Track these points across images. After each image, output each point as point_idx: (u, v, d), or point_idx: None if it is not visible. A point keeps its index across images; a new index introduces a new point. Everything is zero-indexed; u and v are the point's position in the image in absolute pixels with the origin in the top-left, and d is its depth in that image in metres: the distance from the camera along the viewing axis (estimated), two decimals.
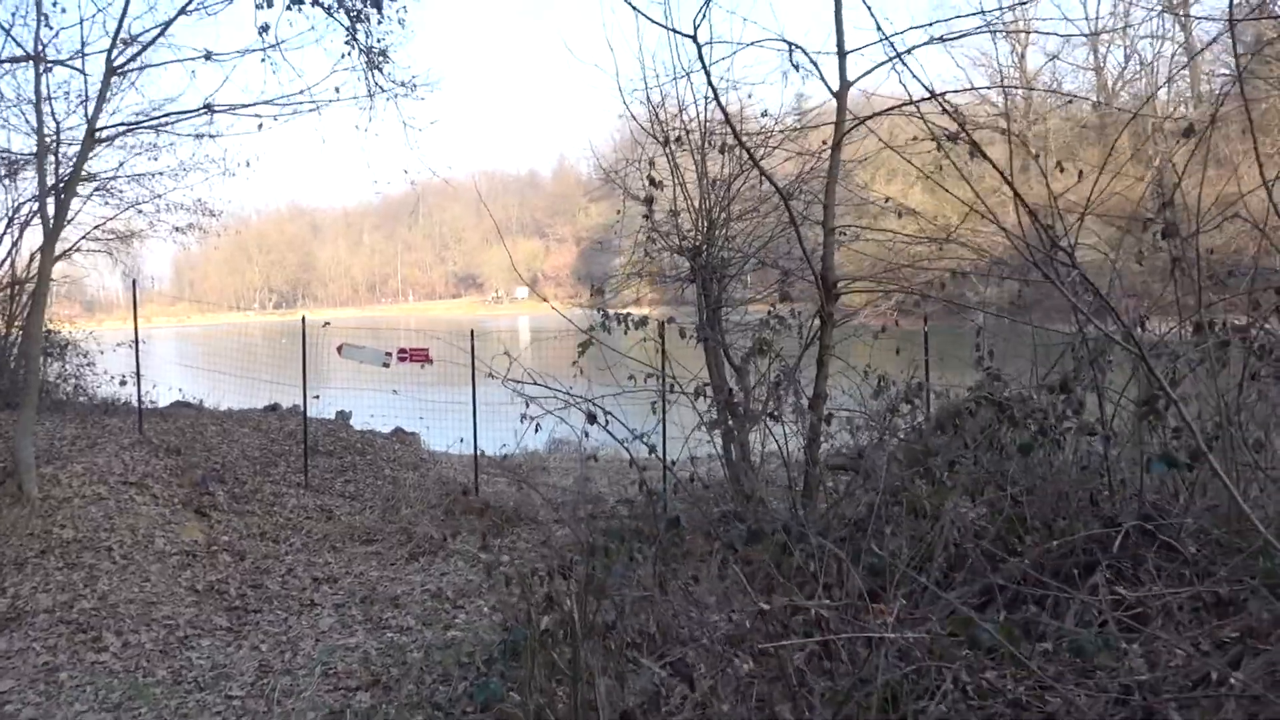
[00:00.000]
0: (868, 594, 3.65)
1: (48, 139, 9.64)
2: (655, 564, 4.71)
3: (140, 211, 15.00)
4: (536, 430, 4.97)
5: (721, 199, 8.32)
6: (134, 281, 12.58)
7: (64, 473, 8.70)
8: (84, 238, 15.20)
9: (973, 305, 6.56)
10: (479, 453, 10.36)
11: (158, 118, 9.90)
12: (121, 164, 13.88)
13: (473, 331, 10.00)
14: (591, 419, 4.98)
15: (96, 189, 14.29)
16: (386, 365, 10.42)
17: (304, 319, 11.32)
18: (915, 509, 4.85)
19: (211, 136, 10.97)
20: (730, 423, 7.62)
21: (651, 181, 6.82)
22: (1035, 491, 4.91)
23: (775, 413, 6.93)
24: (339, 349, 10.64)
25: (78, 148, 9.70)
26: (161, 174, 14.14)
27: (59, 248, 13.30)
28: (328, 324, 11.45)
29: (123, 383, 13.46)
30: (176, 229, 15.38)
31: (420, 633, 6.50)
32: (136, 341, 11.75)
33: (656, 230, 7.99)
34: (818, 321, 7.38)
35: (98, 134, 9.12)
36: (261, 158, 15.12)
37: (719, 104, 5.81)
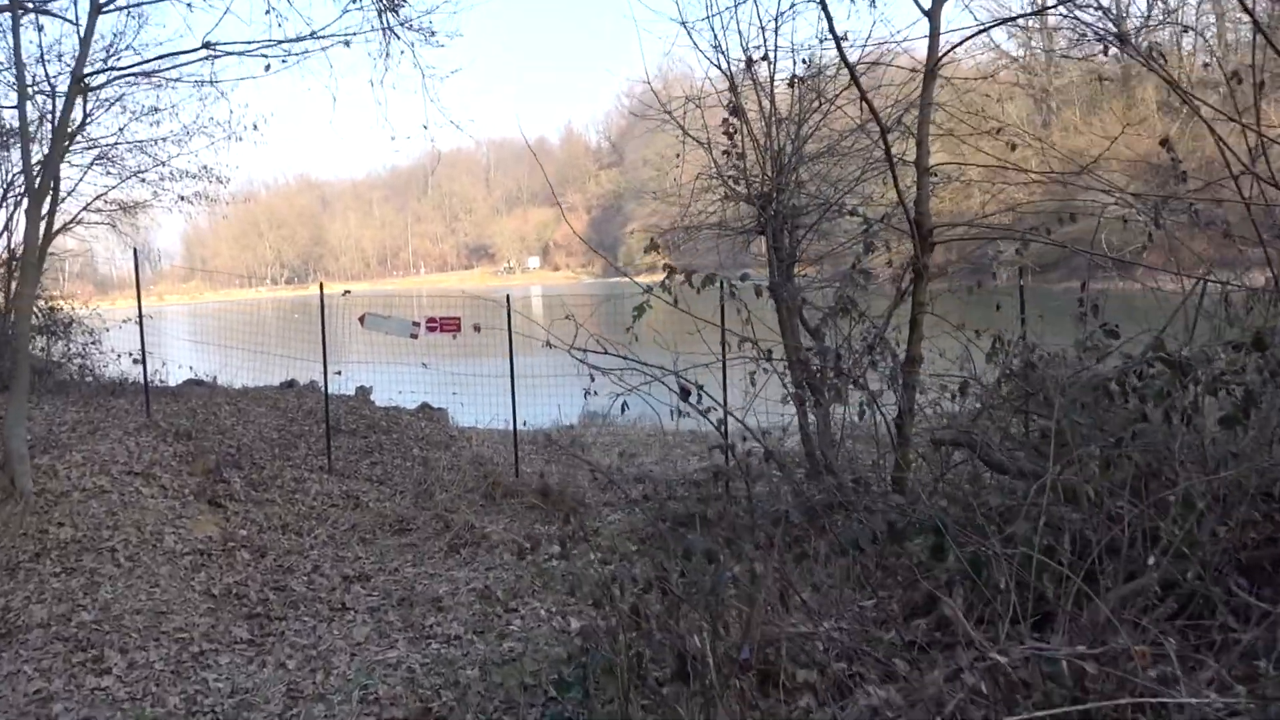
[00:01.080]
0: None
1: (31, 91, 8.65)
2: (773, 570, 3.79)
3: (143, 180, 14.20)
4: (624, 410, 4.05)
5: (791, 137, 7.31)
6: (135, 250, 11.69)
7: (61, 463, 7.81)
8: (85, 209, 14.40)
9: (1103, 254, 5.56)
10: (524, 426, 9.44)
11: (152, 60, 8.87)
12: (122, 129, 13.07)
13: (509, 297, 9.04)
14: (685, 394, 4.04)
15: (97, 157, 13.51)
16: (415, 336, 9.46)
17: (321, 286, 10.38)
18: (1074, 496, 3.91)
19: (213, 83, 9.98)
20: (811, 394, 6.71)
21: (732, 109, 5.77)
22: (1222, 470, 3.94)
23: (862, 380, 6.01)
24: (361, 319, 9.66)
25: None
26: (164, 139, 13.39)
27: (59, 220, 12.48)
28: (348, 292, 10.50)
29: (135, 361, 12.62)
30: (182, 198, 14.61)
31: (471, 643, 5.61)
32: (140, 315, 10.83)
33: (722, 175, 6.98)
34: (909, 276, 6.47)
35: (85, 81, 8.13)
36: (269, 120, 14.08)
37: (825, 10, 4.74)
